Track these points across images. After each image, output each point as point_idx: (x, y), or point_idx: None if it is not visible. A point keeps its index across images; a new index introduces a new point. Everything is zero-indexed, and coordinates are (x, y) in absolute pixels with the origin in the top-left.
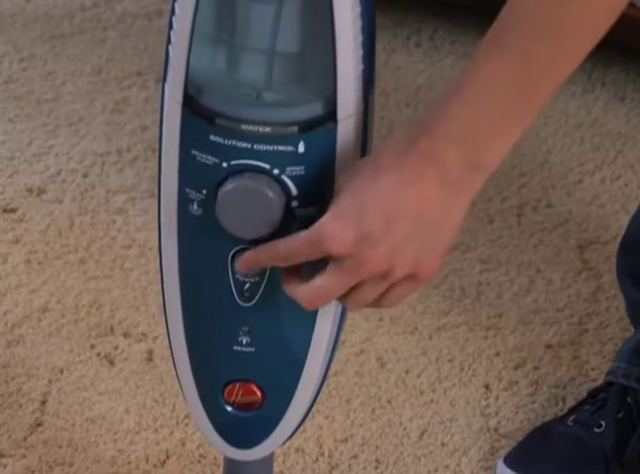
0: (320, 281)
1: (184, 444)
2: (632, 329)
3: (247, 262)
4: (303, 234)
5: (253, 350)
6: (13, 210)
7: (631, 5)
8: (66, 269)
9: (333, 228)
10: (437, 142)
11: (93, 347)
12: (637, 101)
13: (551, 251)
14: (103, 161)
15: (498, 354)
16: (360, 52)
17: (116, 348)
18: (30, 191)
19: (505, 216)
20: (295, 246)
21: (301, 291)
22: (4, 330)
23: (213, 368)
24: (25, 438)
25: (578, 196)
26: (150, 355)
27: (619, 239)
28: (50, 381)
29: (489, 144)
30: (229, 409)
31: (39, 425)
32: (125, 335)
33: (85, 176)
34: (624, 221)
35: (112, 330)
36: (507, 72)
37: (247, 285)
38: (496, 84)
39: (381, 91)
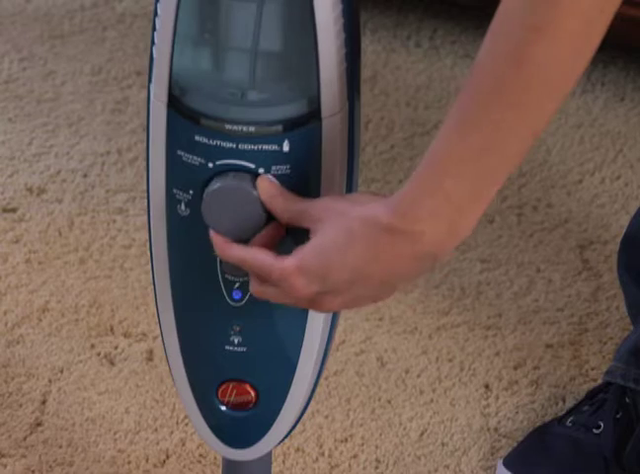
0: (270, 292)
1: (184, 444)
2: (632, 328)
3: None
4: (268, 264)
5: (245, 349)
6: (13, 210)
7: (631, 5)
8: (66, 268)
9: (297, 281)
10: (413, 221)
11: (93, 346)
12: (637, 100)
13: (551, 251)
14: (103, 161)
15: (498, 353)
16: (344, 50)
17: (116, 347)
18: (30, 190)
19: (505, 216)
20: (259, 267)
21: (253, 286)
22: (4, 330)
23: (207, 368)
24: (25, 438)
25: (578, 195)
26: (150, 355)
27: (620, 239)
28: (50, 381)
29: (464, 213)
30: (224, 409)
31: (38, 424)
32: (125, 335)
33: (85, 175)
34: (624, 221)
35: (112, 330)
36: (471, 143)
37: (237, 285)
38: (462, 156)
39: (381, 91)
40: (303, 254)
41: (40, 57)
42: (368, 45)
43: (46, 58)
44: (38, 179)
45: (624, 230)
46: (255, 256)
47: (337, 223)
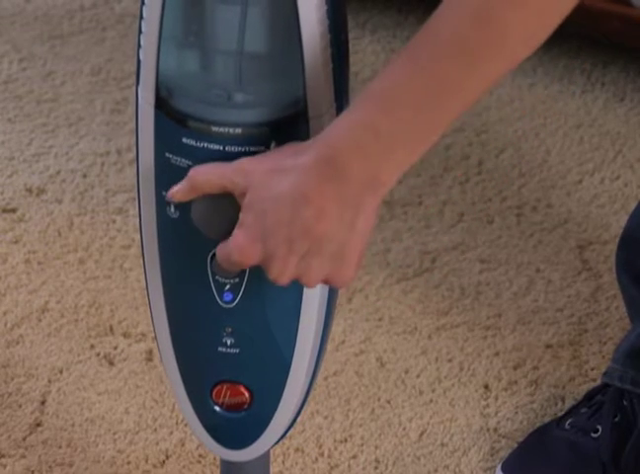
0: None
1: (183, 444)
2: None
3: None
4: (224, 244)
5: (237, 351)
6: (12, 210)
7: (631, 5)
8: (66, 269)
9: (242, 247)
10: (340, 151)
11: (92, 347)
12: (636, 101)
13: (551, 251)
14: (102, 161)
15: (497, 353)
16: (329, 51)
17: (115, 348)
18: (29, 191)
19: (504, 216)
20: (221, 255)
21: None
22: (4, 330)
23: (200, 370)
24: (24, 438)
25: (577, 196)
26: (150, 355)
27: (619, 239)
28: (50, 381)
29: (389, 157)
30: (218, 410)
31: (38, 425)
32: (125, 335)
33: (84, 176)
34: (624, 221)
35: (111, 330)
36: (414, 87)
37: (227, 286)
38: (402, 97)
39: None
40: (243, 213)
41: (39, 58)
42: (368, 45)
43: (46, 59)
44: (37, 179)
45: (621, 230)
46: (220, 247)
47: (265, 178)
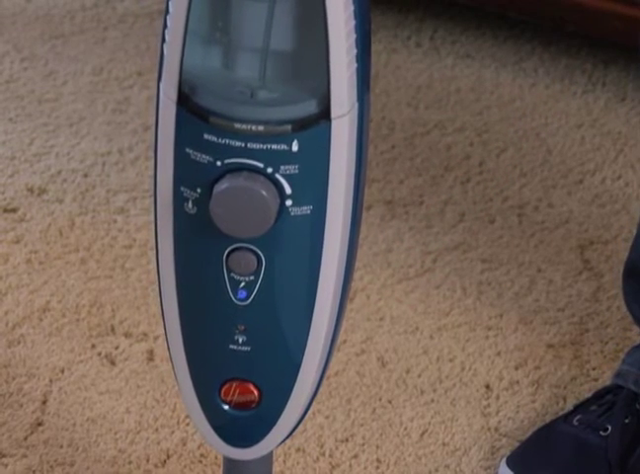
0: None
1: (185, 444)
2: (633, 329)
3: None
4: None
5: (249, 349)
6: (14, 210)
7: (631, 5)
8: (67, 268)
9: None
10: None
11: (94, 346)
12: (638, 100)
13: (552, 251)
14: (104, 161)
15: (499, 353)
16: (354, 51)
17: (116, 347)
18: (30, 190)
19: (505, 216)
20: None
21: None
22: (5, 330)
23: (210, 367)
24: (25, 438)
25: (579, 195)
26: (151, 355)
27: (620, 239)
28: (51, 381)
29: None
30: (226, 408)
31: (39, 424)
32: (126, 335)
33: (86, 175)
34: (625, 221)
35: (112, 330)
36: None
37: (242, 284)
38: None
39: (382, 91)
40: None
41: (40, 57)
42: None
43: (47, 58)
44: (38, 179)
45: (625, 259)
46: None
47: None
